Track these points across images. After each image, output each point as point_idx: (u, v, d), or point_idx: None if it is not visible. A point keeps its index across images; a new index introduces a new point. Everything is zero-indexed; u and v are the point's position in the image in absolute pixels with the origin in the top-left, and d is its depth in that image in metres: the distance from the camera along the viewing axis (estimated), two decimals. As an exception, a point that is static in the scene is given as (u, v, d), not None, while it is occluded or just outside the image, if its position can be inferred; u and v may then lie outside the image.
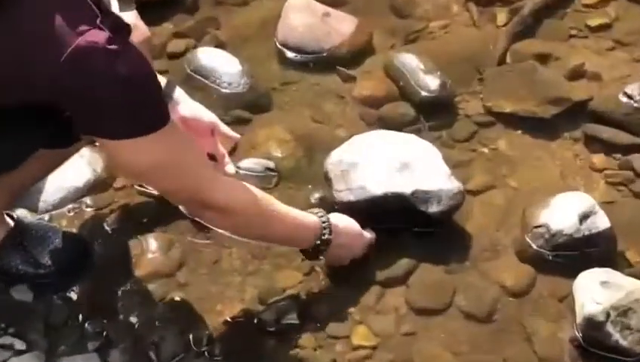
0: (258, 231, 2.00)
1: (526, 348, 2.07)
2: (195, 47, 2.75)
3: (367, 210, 2.22)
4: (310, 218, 2.04)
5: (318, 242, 2.03)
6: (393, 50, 2.78)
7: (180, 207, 2.18)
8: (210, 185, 1.86)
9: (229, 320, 2.08)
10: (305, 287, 2.17)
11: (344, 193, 2.23)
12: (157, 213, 2.31)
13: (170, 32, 2.81)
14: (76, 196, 2.31)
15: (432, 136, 2.51)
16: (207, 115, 2.11)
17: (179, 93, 2.07)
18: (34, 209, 2.27)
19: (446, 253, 2.26)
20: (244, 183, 1.96)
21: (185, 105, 2.07)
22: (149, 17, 2.71)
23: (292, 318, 2.09)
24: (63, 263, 2.12)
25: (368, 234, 2.17)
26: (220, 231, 2.06)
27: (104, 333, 2.04)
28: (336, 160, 2.29)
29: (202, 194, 1.84)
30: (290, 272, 2.19)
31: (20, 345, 2.00)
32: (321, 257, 2.10)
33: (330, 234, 2.03)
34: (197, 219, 2.12)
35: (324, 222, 2.03)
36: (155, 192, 2.29)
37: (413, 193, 2.21)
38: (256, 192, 1.94)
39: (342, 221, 2.10)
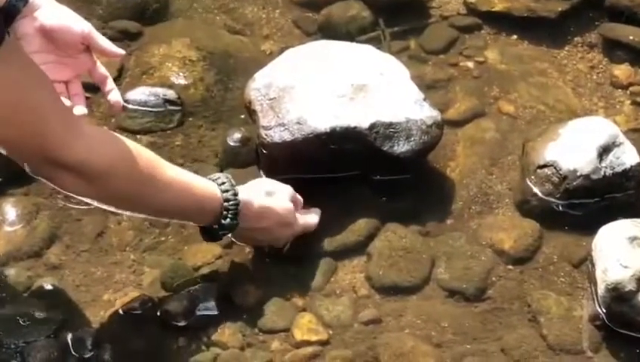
0: (132, 203, 1.98)
1: (531, 331, 2.11)
2: None
3: (308, 153, 2.24)
4: (209, 190, 2.02)
5: (216, 226, 2.02)
6: None
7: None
8: (65, 136, 1.81)
9: (121, 313, 2.09)
10: (225, 265, 2.19)
11: (275, 130, 2.24)
12: (13, 169, 2.23)
13: None
14: None
15: (397, 48, 2.55)
16: (80, 24, 2.08)
17: None
18: None
19: (420, 209, 2.29)
20: (115, 135, 1.94)
21: (47, 10, 2.03)
22: None
23: (209, 307, 2.11)
24: None
25: (306, 219, 2.18)
26: (84, 200, 2.04)
27: None
28: (262, 85, 2.30)
29: (52, 147, 1.80)
30: (203, 245, 2.20)
31: None
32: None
33: (234, 218, 2.02)
34: (46, 181, 2.09)
35: (227, 201, 2.02)
36: None
37: (372, 127, 2.23)
38: (129, 148, 1.90)
39: (258, 199, 2.09)
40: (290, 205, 2.15)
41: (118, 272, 2.18)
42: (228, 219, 2.01)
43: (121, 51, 2.15)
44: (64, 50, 2.04)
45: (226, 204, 2.01)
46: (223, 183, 2.03)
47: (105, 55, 2.12)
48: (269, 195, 2.13)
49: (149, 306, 2.10)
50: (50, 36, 2.01)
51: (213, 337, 2.07)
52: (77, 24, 2.07)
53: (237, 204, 2.02)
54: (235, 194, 2.02)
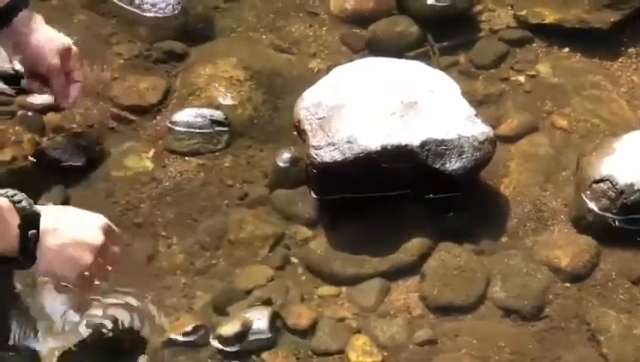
0: None
1: (591, 351, 2.10)
2: None
3: (359, 172, 2.24)
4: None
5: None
6: None
7: None
8: None
9: (172, 338, 2.10)
10: (277, 287, 2.19)
11: (325, 150, 2.24)
12: (64, 193, 2.32)
13: None
14: None
15: (446, 63, 2.56)
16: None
17: None
18: None
19: (473, 227, 2.29)
20: None
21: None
22: None
23: (262, 331, 2.10)
24: None
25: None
26: None
27: None
28: (311, 103, 2.30)
29: None
30: (255, 267, 2.22)
31: None
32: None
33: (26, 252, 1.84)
34: None
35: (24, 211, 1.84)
36: (60, 163, 2.34)
37: (424, 144, 2.23)
38: None
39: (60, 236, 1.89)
40: (100, 239, 1.97)
41: (169, 296, 2.18)
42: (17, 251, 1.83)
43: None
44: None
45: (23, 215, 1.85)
46: (15, 195, 1.87)
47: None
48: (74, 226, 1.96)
49: (202, 331, 2.10)
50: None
51: (267, 360, 2.07)
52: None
53: (35, 234, 1.85)
54: (36, 216, 1.87)
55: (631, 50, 2.64)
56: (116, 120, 2.48)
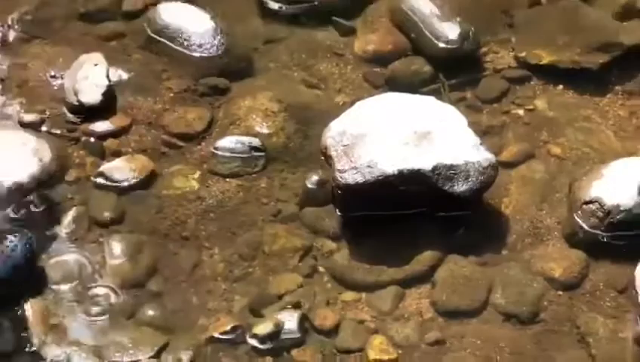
0: None
1: (581, 352, 2.10)
2: (157, 2, 2.78)
3: (378, 193, 2.23)
4: None
5: None
6: None
7: None
8: None
9: (215, 336, 2.10)
10: (306, 292, 2.19)
11: (349, 173, 2.24)
12: (120, 209, 2.34)
13: None
14: (22, 194, 2.34)
15: (455, 98, 2.54)
16: None
17: None
18: None
19: (478, 242, 2.28)
20: None
21: None
22: None
23: (292, 331, 2.11)
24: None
25: None
26: None
27: (64, 359, 2.07)
28: (336, 133, 2.30)
29: None
30: (286, 275, 2.22)
31: None
32: None
33: None
34: None
35: None
36: (118, 183, 2.36)
37: (435, 169, 2.22)
38: None
39: None
40: None
41: (211, 300, 2.18)
42: None
43: None
44: None
45: None
46: None
47: None
48: None
49: (239, 330, 2.11)
50: None
51: (296, 357, 2.08)
52: None
53: None
54: None
55: (617, 87, 2.62)
56: (166, 145, 2.48)
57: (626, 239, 2.24)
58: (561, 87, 2.63)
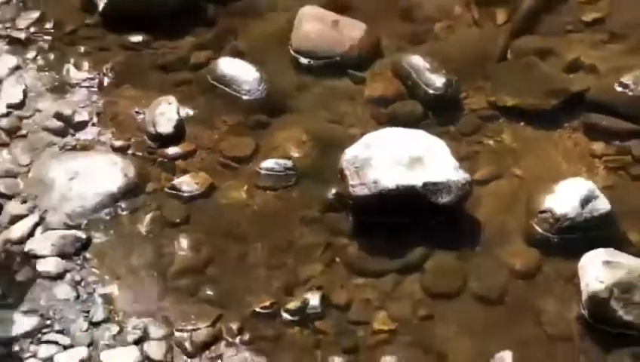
0: None
1: (536, 327, 2.09)
2: (216, 57, 2.76)
3: (381, 203, 2.23)
4: None
5: None
6: (400, 52, 2.78)
7: None
8: None
9: (257, 310, 2.11)
10: (326, 278, 2.19)
11: (358, 188, 2.24)
12: (186, 214, 2.34)
13: (192, 44, 2.83)
14: (112, 201, 2.35)
15: (440, 131, 2.51)
16: None
17: None
18: (73, 216, 2.31)
19: (458, 241, 2.27)
20: None
21: None
22: (172, 31, 2.81)
23: (315, 307, 2.11)
24: None
25: None
26: None
27: (142, 327, 2.07)
28: (350, 157, 2.30)
29: None
30: (311, 264, 2.22)
31: (64, 340, 2.04)
32: None
33: None
34: None
35: None
36: (185, 193, 2.36)
37: (424, 185, 2.22)
38: None
39: None
40: None
41: (254, 283, 2.19)
42: None
43: None
44: None
45: None
46: None
47: None
48: None
49: (276, 306, 2.12)
50: None
51: (318, 326, 2.08)
52: None
53: None
54: None
55: (566, 124, 2.58)
56: (222, 165, 2.48)
57: (571, 240, 2.22)
58: (522, 123, 2.60)
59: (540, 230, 2.25)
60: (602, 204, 2.22)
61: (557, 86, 2.63)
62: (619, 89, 2.58)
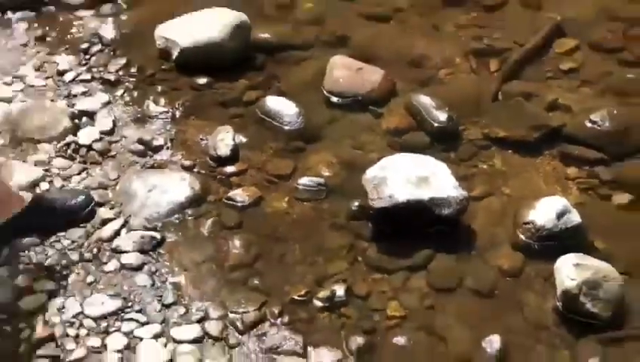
0: None
1: (519, 316, 2.08)
2: (264, 96, 2.77)
3: (395, 214, 2.23)
4: None
5: None
6: (411, 92, 2.77)
7: None
8: None
9: (295, 298, 2.11)
10: (349, 273, 2.18)
11: (376, 201, 2.24)
12: (239, 220, 2.34)
13: (245, 85, 2.84)
14: (180, 208, 2.35)
15: (443, 157, 2.49)
16: None
17: None
18: (150, 220, 2.31)
19: (456, 246, 2.26)
20: None
21: None
22: (229, 76, 2.82)
23: (340, 296, 2.11)
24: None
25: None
26: None
27: (203, 308, 2.09)
28: (370, 176, 2.30)
29: None
30: (338, 262, 2.22)
31: (142, 318, 2.06)
32: None
33: None
34: None
35: None
36: (238, 203, 2.35)
37: (430, 200, 2.22)
38: None
39: None
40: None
41: (292, 276, 2.18)
42: None
43: None
44: None
45: None
46: None
47: None
48: None
49: (309, 295, 2.11)
50: None
51: (343, 312, 2.08)
52: None
53: None
54: None
55: (546, 153, 2.56)
56: (268, 182, 2.47)
57: (549, 246, 2.21)
58: (510, 151, 2.57)
59: (523, 238, 2.25)
60: (574, 218, 2.22)
61: (539, 122, 2.62)
62: (589, 125, 2.58)
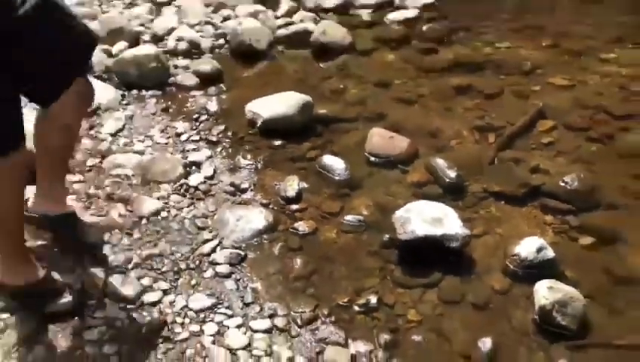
0: None
1: (507, 324, 2.10)
2: (321, 155, 2.84)
3: (416, 245, 2.28)
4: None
5: None
6: (430, 156, 2.82)
7: None
8: None
9: (340, 304, 2.16)
10: (380, 287, 2.22)
11: (403, 235, 2.30)
12: (300, 244, 2.40)
13: (308, 147, 2.92)
14: (259, 234, 2.43)
15: (453, 204, 2.52)
16: None
17: None
18: (237, 241, 2.37)
19: (460, 270, 2.28)
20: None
21: None
22: (297, 139, 2.91)
23: (373, 304, 2.14)
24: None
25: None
26: None
27: (273, 308, 2.15)
28: (398, 216, 2.36)
29: None
30: (372, 279, 2.25)
31: (229, 312, 2.13)
32: None
33: None
34: None
35: None
36: (300, 232, 2.39)
37: (442, 235, 2.27)
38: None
39: None
40: None
41: (337, 287, 2.19)
42: None
43: None
44: None
45: None
46: None
47: None
48: None
49: (350, 302, 2.13)
50: None
51: (375, 316, 2.09)
52: None
53: None
54: None
55: (530, 204, 2.56)
56: (322, 217, 2.49)
57: (530, 273, 2.22)
58: (503, 202, 2.59)
59: (511, 266, 2.27)
60: (549, 253, 2.25)
61: (525, 181, 2.66)
62: (562, 184, 2.61)
